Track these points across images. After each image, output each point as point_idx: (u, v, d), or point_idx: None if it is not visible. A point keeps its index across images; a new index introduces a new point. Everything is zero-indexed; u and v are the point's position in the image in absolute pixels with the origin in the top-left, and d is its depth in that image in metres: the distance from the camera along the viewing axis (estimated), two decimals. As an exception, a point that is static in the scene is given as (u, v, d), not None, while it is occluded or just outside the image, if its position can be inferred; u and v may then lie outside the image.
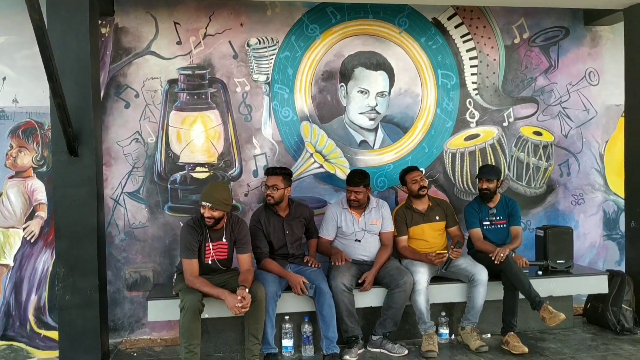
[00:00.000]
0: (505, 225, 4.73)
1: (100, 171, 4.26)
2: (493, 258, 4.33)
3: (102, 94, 4.59)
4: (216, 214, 3.87)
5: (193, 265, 3.92)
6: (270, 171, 4.37)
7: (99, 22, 4.54)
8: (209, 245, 4.00)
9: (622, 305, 4.68)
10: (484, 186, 4.62)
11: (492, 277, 4.38)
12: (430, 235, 4.63)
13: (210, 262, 4.02)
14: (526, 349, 4.16)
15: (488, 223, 4.70)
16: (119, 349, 4.57)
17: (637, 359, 4.09)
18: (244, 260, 4.05)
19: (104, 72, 4.65)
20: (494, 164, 5.16)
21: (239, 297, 3.70)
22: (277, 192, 4.28)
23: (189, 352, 3.74)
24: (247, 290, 3.78)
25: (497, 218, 4.71)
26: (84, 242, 4.01)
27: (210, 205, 3.84)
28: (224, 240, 4.04)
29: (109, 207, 4.69)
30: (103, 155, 4.54)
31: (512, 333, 4.30)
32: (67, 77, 3.85)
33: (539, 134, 5.34)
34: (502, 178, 4.79)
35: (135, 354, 4.48)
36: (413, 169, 4.69)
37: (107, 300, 4.44)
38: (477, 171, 4.84)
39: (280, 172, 4.33)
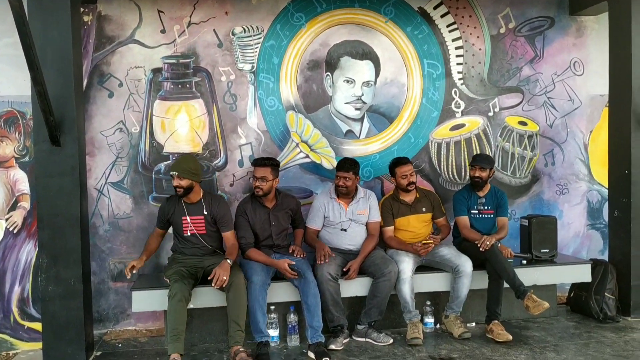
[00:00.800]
0: (492, 216, 4.75)
1: (83, 161, 4.21)
2: (479, 245, 4.36)
3: (85, 83, 4.53)
4: (184, 182, 4.05)
5: (156, 232, 4.31)
6: (258, 162, 4.34)
7: (82, 10, 4.48)
8: (186, 219, 4.18)
9: (605, 293, 4.73)
10: (476, 174, 4.63)
11: (477, 266, 4.41)
12: (416, 226, 4.64)
13: (189, 234, 4.18)
14: (510, 337, 4.20)
15: (476, 212, 4.72)
16: (103, 340, 4.55)
17: (619, 346, 4.14)
18: (228, 237, 4.24)
19: (86, 60, 4.59)
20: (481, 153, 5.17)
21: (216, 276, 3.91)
22: (267, 183, 4.27)
23: (173, 336, 3.77)
24: (228, 261, 3.98)
25: (486, 207, 4.74)
26: (67, 233, 3.97)
27: (177, 174, 4.04)
28: (201, 214, 4.18)
29: (93, 198, 4.65)
30: (86, 145, 4.50)
31: (496, 321, 4.33)
32: (49, 66, 3.80)
33: (524, 123, 5.36)
34: (494, 168, 4.80)
35: (120, 345, 4.46)
36: (404, 161, 4.62)
37: (91, 291, 4.41)
38: (471, 159, 4.83)
39: (269, 163, 4.31)
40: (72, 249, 3.98)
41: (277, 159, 4.57)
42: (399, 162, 4.63)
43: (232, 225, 4.26)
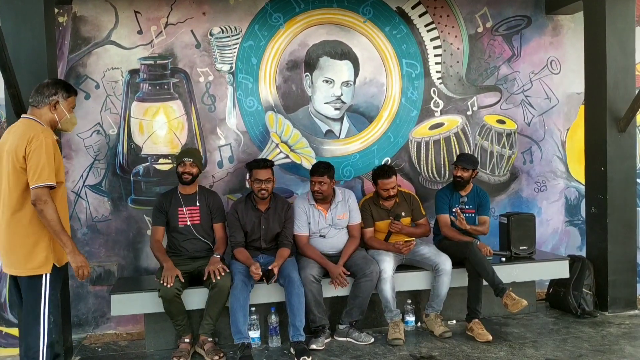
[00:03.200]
0: (474, 215, 4.79)
1: (59, 164, 4.15)
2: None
3: (60, 84, 4.47)
4: (195, 170, 4.23)
5: (158, 231, 4.28)
6: (260, 164, 4.25)
7: (56, 10, 4.43)
8: (182, 210, 4.28)
9: (583, 289, 4.79)
10: (459, 174, 4.65)
11: (457, 264, 4.44)
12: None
13: (183, 226, 4.27)
14: (490, 337, 4.22)
15: (458, 209, 4.74)
16: (83, 345, 4.50)
17: (597, 341, 4.19)
18: (218, 228, 4.38)
19: (62, 62, 4.54)
20: (459, 152, 5.21)
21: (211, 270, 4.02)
22: (271, 184, 4.28)
23: (177, 326, 4.08)
24: (216, 255, 4.16)
25: (468, 207, 4.77)
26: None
27: (191, 160, 4.21)
28: (197, 204, 4.30)
29: (70, 201, 4.60)
30: (63, 147, 4.44)
31: (476, 320, 4.36)
32: (22, 67, 3.73)
33: (502, 122, 5.40)
34: (477, 169, 4.82)
35: (99, 349, 4.42)
36: (387, 174, 4.49)
37: (70, 295, 4.36)
38: (456, 157, 4.85)
39: (270, 164, 4.31)
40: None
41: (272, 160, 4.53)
42: (383, 174, 4.50)
43: (224, 217, 4.39)
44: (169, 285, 3.88)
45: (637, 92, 4.69)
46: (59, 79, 3.48)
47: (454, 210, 4.59)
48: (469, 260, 4.39)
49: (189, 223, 4.28)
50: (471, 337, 4.30)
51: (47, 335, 2.93)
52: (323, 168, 4.39)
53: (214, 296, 4.03)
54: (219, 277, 3.99)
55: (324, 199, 4.46)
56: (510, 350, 4.05)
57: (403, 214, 4.61)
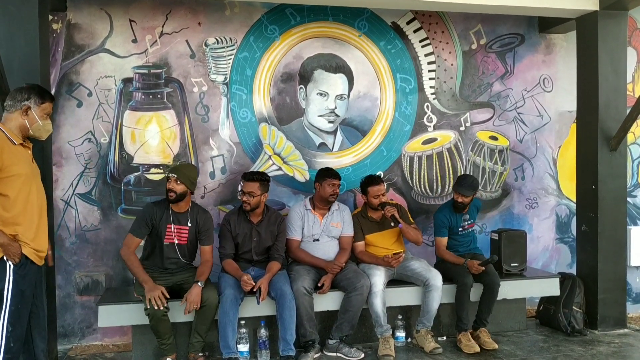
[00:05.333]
0: (474, 228, 4.86)
1: (49, 172, 4.12)
2: (472, 271, 4.50)
3: (53, 92, 4.44)
4: (179, 187, 3.96)
5: (134, 242, 4.01)
6: (247, 177, 4.25)
7: (50, 17, 4.40)
8: (170, 227, 4.06)
9: (573, 307, 4.79)
10: (460, 200, 4.62)
11: (447, 280, 4.43)
12: (385, 242, 4.63)
13: (168, 243, 4.06)
14: (496, 345, 4.31)
15: (461, 229, 4.76)
16: (68, 356, 4.43)
17: (586, 359, 4.19)
18: (205, 251, 4.17)
19: (55, 69, 4.51)
20: (452, 167, 5.22)
21: (160, 293, 3.79)
22: (254, 198, 4.21)
23: (163, 345, 3.91)
24: (199, 284, 3.91)
25: (470, 222, 4.80)
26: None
27: (175, 177, 3.95)
28: (187, 224, 4.09)
29: (59, 209, 4.54)
30: (53, 155, 4.40)
31: (483, 329, 4.42)
32: (15, 74, 3.70)
33: (494, 138, 5.42)
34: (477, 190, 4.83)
35: (85, 361, 4.35)
36: (376, 181, 4.56)
37: (56, 305, 4.30)
38: (456, 181, 4.79)
39: (258, 178, 4.24)
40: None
41: (267, 174, 4.41)
42: (371, 181, 4.56)
43: (212, 240, 4.20)
44: (161, 308, 3.75)
45: (628, 111, 4.73)
46: (35, 85, 3.30)
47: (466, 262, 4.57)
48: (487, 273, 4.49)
49: (175, 242, 4.08)
50: (462, 353, 4.28)
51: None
52: (336, 172, 4.54)
53: (202, 314, 3.95)
54: (190, 312, 3.88)
55: (328, 205, 4.52)
56: (500, 367, 4.03)
57: (392, 224, 4.55)
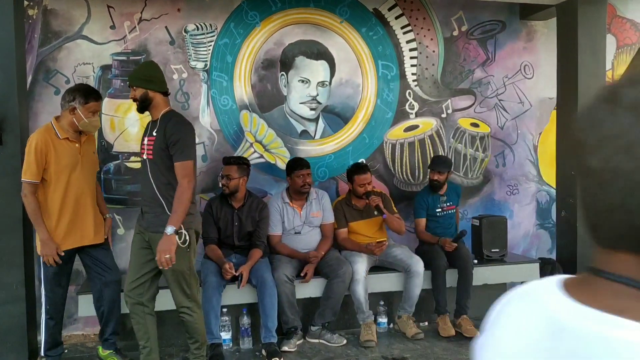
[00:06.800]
0: (454, 211, 4.90)
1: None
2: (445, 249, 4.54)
3: (29, 79, 4.37)
4: (137, 92, 3.35)
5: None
6: (226, 160, 4.33)
7: (26, 3, 4.31)
8: (144, 140, 3.47)
9: (553, 291, 4.85)
10: (435, 177, 4.69)
11: (429, 266, 4.47)
12: (368, 230, 4.66)
13: (144, 157, 3.43)
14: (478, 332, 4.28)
15: (440, 210, 4.80)
16: (49, 346, 4.39)
17: (565, 343, 4.24)
18: (177, 170, 3.27)
19: (31, 56, 4.43)
20: (434, 154, 5.24)
21: None
22: (231, 181, 4.23)
23: (143, 348, 3.57)
24: (168, 231, 3.14)
25: (449, 204, 4.84)
26: (9, 235, 3.81)
27: (129, 83, 3.43)
28: (154, 133, 3.36)
29: (38, 198, 4.48)
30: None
31: (465, 316, 4.44)
32: (-11, 61, 3.64)
33: (476, 125, 5.45)
34: (451, 170, 4.87)
35: (66, 351, 4.30)
36: (363, 169, 4.58)
37: (35, 296, 4.25)
38: (430, 161, 4.89)
39: (235, 161, 4.28)
40: (14, 251, 3.82)
41: (247, 159, 4.47)
42: (358, 169, 4.57)
43: (187, 156, 3.28)
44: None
45: (607, 98, 4.76)
46: (82, 85, 3.75)
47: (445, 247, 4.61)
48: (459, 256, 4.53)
49: (144, 157, 3.41)
50: (442, 338, 4.32)
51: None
52: (304, 161, 4.49)
53: (189, 327, 3.57)
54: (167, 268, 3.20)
55: (303, 195, 4.48)
56: (481, 352, 4.07)
57: (375, 212, 4.57)
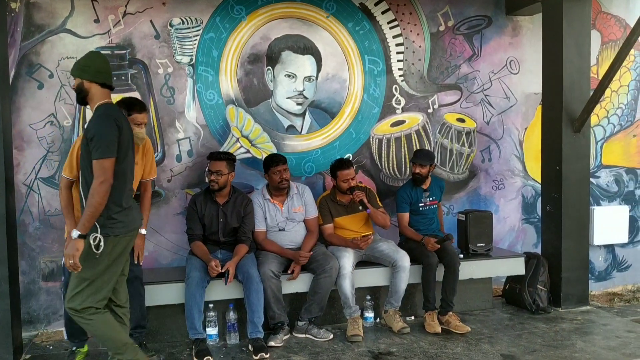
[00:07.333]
0: (436, 206, 4.89)
1: (9, 155, 4.00)
2: (427, 247, 4.52)
3: (12, 73, 4.32)
4: (75, 83, 3.17)
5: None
6: (213, 156, 4.27)
7: (8, -4, 4.26)
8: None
9: (538, 285, 4.89)
10: (417, 170, 4.69)
11: (415, 261, 4.48)
12: (353, 225, 4.66)
13: None
14: (468, 328, 4.34)
15: (423, 205, 4.80)
16: (33, 343, 4.36)
17: (550, 336, 4.28)
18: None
19: (14, 49, 4.37)
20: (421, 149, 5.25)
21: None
22: (222, 177, 4.20)
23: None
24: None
25: (431, 199, 4.84)
26: (-8, 231, 3.77)
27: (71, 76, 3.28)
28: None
29: (22, 194, 4.44)
30: (14, 138, 4.29)
31: (451, 312, 4.44)
32: (-30, 55, 3.59)
33: (462, 120, 5.46)
34: (434, 163, 4.87)
35: (51, 347, 4.28)
36: (346, 165, 4.56)
37: (20, 292, 4.21)
38: (412, 155, 4.88)
39: (225, 157, 4.25)
40: (-3, 248, 3.79)
41: (233, 154, 4.47)
42: (341, 165, 4.56)
43: (103, 153, 2.97)
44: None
45: (591, 93, 4.81)
46: (126, 98, 3.78)
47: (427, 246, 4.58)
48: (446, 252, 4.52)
49: None
50: (429, 333, 4.34)
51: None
52: (281, 156, 4.46)
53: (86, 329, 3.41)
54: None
55: (283, 190, 4.46)
56: (466, 345, 4.10)
57: (360, 207, 4.56)
